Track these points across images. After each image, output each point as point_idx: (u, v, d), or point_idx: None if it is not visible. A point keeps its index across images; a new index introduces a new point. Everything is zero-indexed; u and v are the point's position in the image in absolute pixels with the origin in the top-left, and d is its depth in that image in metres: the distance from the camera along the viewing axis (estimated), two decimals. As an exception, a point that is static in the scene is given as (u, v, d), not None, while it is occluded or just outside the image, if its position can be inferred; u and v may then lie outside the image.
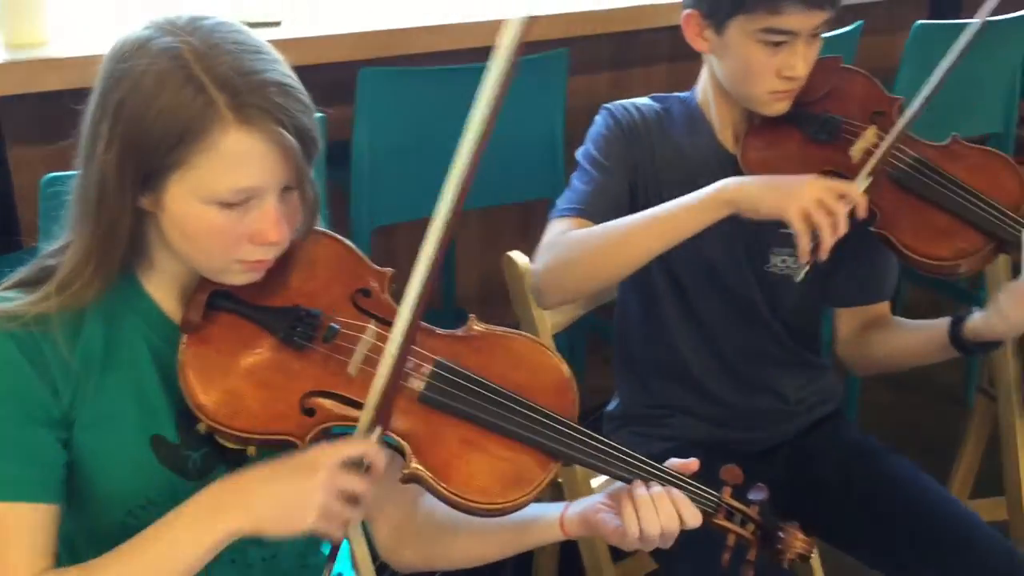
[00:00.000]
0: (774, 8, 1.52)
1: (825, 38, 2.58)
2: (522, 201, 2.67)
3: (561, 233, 1.61)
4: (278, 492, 1.10)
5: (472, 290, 3.10)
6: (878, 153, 1.55)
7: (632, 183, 1.67)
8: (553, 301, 1.67)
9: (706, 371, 1.76)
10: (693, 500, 1.23)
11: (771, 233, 1.66)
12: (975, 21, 1.51)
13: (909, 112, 1.56)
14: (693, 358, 1.76)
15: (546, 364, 1.24)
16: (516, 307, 1.82)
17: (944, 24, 2.78)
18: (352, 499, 1.11)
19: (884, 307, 1.79)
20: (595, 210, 1.62)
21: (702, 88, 1.72)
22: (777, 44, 1.55)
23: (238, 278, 1.17)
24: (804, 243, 1.46)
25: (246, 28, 1.14)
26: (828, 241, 1.46)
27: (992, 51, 2.93)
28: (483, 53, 1.05)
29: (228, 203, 1.09)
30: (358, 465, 1.11)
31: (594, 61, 3.06)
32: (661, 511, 1.19)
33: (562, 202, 1.67)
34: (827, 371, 1.86)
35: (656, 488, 1.21)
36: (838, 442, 1.80)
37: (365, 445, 1.12)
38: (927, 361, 1.70)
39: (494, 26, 1.09)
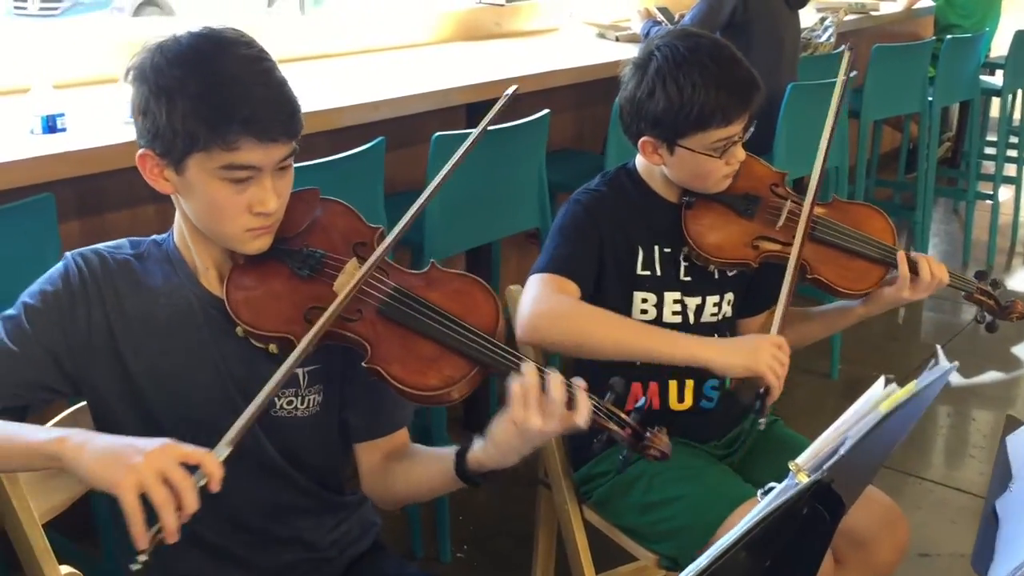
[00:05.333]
0: (228, 144, 1.41)
1: (351, 156, 2.48)
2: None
3: None
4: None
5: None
6: (350, 284, 1.51)
7: (67, 362, 1.50)
8: None
9: (218, 534, 1.61)
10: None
11: (267, 371, 1.51)
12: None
13: (390, 239, 1.55)
14: (200, 521, 1.56)
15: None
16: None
17: (460, 134, 2.75)
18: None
19: (402, 435, 1.72)
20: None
21: (177, 229, 1.60)
22: (242, 180, 1.45)
23: None
24: (136, 526, 1.27)
25: None
26: (168, 523, 1.27)
27: (517, 154, 3.05)
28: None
29: None
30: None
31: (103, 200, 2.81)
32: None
33: None
34: (362, 505, 1.76)
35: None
36: None
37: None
38: (442, 492, 1.66)
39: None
